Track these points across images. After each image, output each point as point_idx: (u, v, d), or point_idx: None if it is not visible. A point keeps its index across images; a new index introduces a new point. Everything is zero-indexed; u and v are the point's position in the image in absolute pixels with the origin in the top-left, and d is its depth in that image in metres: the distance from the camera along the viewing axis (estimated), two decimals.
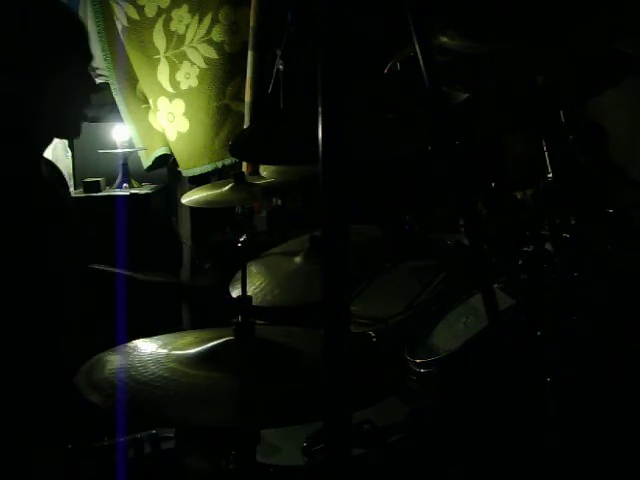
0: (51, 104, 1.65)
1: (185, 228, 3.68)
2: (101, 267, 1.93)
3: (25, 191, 1.62)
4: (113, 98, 3.48)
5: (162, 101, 3.46)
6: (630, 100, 2.28)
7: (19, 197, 1.60)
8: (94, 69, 3.37)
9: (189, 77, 3.40)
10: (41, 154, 1.74)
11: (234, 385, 1.15)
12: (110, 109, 3.51)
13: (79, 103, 1.72)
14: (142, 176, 3.53)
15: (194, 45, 3.38)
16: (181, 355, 1.24)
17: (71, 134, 1.81)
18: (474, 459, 1.63)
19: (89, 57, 1.75)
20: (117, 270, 1.93)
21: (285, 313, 2.11)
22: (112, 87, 3.48)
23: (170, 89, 3.43)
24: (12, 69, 1.60)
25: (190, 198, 2.48)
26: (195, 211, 3.48)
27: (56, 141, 2.67)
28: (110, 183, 3.42)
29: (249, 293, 2.08)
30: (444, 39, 1.66)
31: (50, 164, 1.84)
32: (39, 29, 1.61)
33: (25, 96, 1.62)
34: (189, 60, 3.39)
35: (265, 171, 2.39)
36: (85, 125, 1.75)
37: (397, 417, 1.67)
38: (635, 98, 2.26)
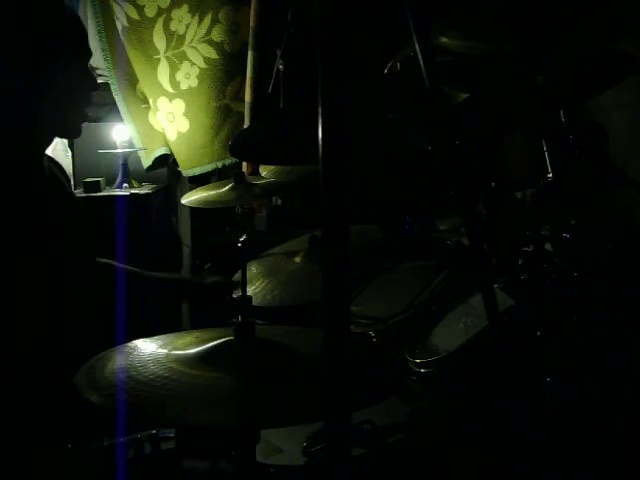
0: (50, 103, 1.65)
1: (185, 228, 3.68)
2: (105, 260, 1.92)
3: (27, 188, 1.62)
4: (113, 98, 3.48)
5: (162, 101, 3.46)
6: (630, 100, 2.28)
7: (21, 195, 1.59)
8: (94, 69, 3.37)
9: (189, 77, 3.40)
10: (42, 153, 1.73)
11: (234, 385, 1.15)
12: (110, 109, 3.51)
13: (79, 101, 1.71)
14: (142, 176, 3.53)
15: (194, 45, 3.38)
16: (181, 355, 1.24)
17: (72, 133, 1.78)
18: (474, 459, 1.63)
19: (88, 54, 1.74)
20: (120, 265, 1.92)
21: (285, 313, 2.11)
22: (112, 87, 3.48)
23: (170, 89, 3.43)
24: (9, 69, 1.59)
25: (190, 198, 2.48)
26: (195, 211, 3.48)
27: (56, 141, 2.67)
28: (110, 183, 3.42)
29: (249, 293, 2.08)
30: (444, 39, 1.66)
31: (52, 161, 1.83)
32: (36, 28, 1.61)
33: (24, 96, 1.62)
34: (189, 60, 3.39)
35: (265, 171, 2.39)
36: (85, 125, 1.74)
37: (397, 417, 1.67)
38: (635, 98, 2.26)
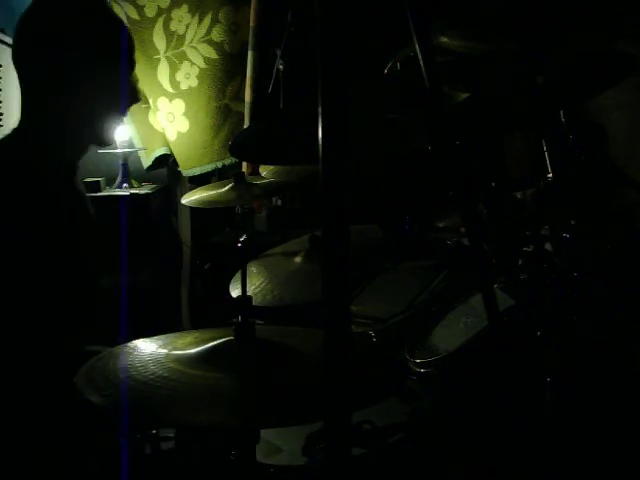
0: (93, 109, 1.62)
1: (185, 228, 3.68)
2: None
3: (58, 200, 1.61)
4: None
5: (162, 101, 3.46)
6: (630, 100, 2.28)
7: (53, 207, 1.58)
8: None
9: (189, 77, 3.40)
10: (76, 161, 1.71)
11: (234, 385, 1.15)
12: None
13: (117, 111, 1.67)
14: (142, 176, 3.53)
15: (194, 45, 3.38)
16: (181, 355, 1.24)
17: (105, 141, 1.73)
18: (474, 459, 1.63)
19: (132, 65, 1.69)
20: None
21: (285, 313, 2.11)
22: None
23: (170, 89, 3.44)
24: (20, 75, 1.59)
25: (190, 198, 2.48)
26: (195, 211, 3.48)
27: None
28: (110, 183, 3.42)
29: (249, 293, 2.08)
30: (444, 39, 1.66)
31: None
32: (89, 32, 1.60)
33: (57, 97, 1.60)
34: (189, 60, 3.39)
35: (265, 171, 2.39)
36: None
37: (397, 417, 1.67)
38: (635, 98, 2.26)
